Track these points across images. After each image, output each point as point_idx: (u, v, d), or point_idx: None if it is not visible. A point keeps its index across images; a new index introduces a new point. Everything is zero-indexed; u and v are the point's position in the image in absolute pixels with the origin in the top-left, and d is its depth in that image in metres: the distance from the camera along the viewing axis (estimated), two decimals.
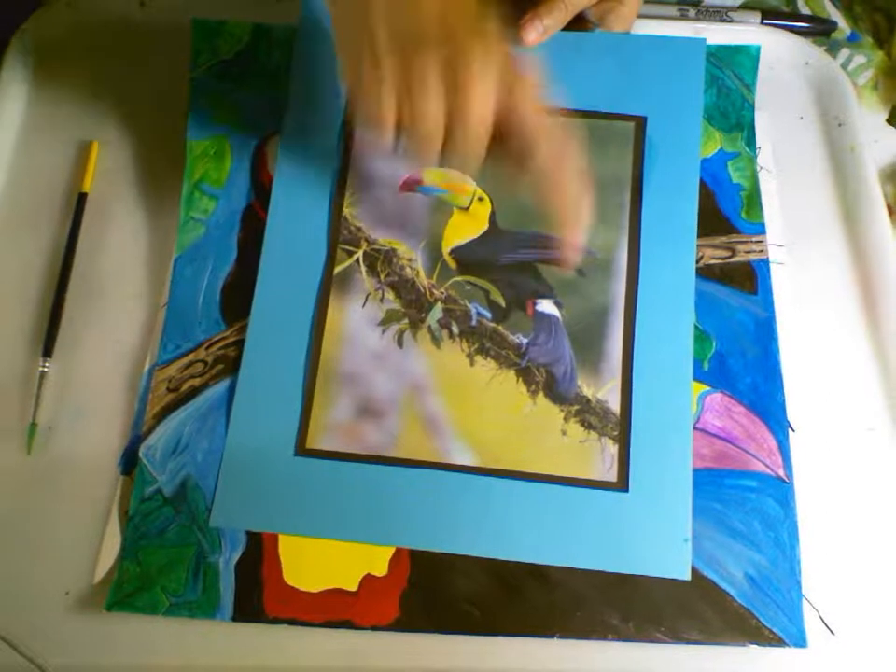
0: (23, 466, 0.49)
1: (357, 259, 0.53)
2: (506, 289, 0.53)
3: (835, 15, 0.69)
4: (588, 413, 0.51)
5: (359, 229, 0.53)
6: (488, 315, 0.52)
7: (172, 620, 0.46)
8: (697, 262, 0.55)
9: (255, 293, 0.52)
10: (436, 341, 0.52)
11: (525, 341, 0.52)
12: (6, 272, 0.54)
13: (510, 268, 0.53)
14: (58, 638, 0.45)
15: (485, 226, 0.54)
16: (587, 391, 0.51)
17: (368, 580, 0.47)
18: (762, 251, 0.56)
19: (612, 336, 0.52)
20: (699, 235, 0.56)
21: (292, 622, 0.46)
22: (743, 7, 0.68)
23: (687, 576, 0.47)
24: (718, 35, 0.64)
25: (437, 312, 0.52)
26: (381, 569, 0.47)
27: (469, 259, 0.53)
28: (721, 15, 0.67)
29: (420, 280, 0.53)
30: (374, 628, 0.46)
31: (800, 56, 0.65)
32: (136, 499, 0.48)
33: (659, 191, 0.55)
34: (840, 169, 0.61)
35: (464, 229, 0.54)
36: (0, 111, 0.58)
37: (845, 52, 0.68)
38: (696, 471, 0.50)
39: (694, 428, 0.51)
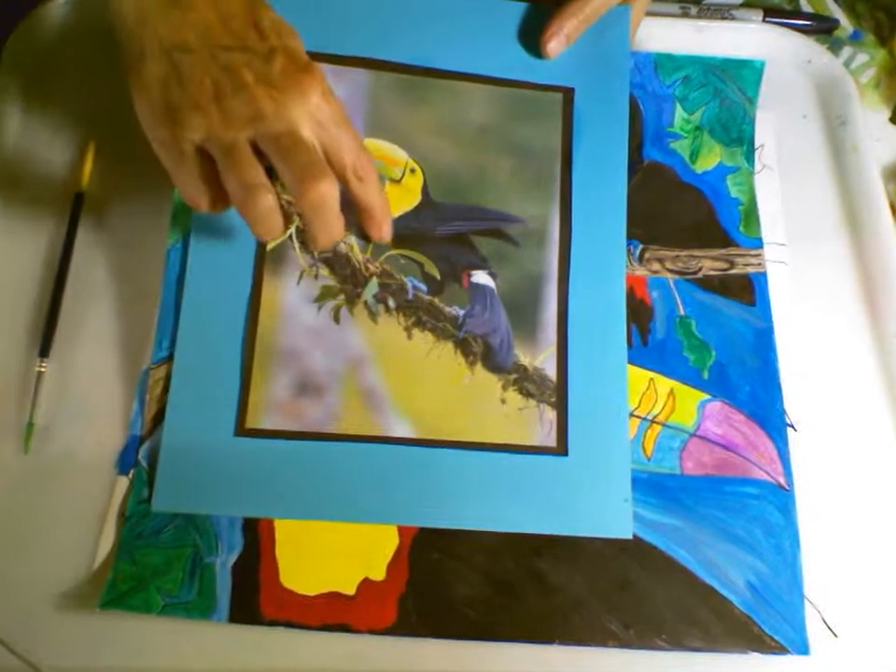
0: (20, 465, 0.49)
1: (290, 235, 0.52)
2: (441, 262, 0.52)
3: (838, 13, 0.70)
4: (526, 381, 0.51)
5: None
6: (424, 288, 0.52)
7: (167, 621, 0.45)
8: (696, 273, 0.55)
9: (187, 271, 0.51)
10: (373, 316, 0.51)
11: (461, 312, 0.52)
12: (3, 272, 0.53)
13: (444, 240, 0.53)
14: (53, 639, 0.45)
15: (418, 198, 0.53)
16: (524, 360, 0.51)
17: (366, 584, 0.47)
18: (759, 264, 0.56)
19: (547, 305, 0.52)
20: (698, 246, 0.56)
21: (289, 624, 0.45)
22: (745, 5, 0.68)
23: (629, 535, 0.48)
24: (720, 32, 0.64)
25: (373, 287, 0.51)
26: (379, 574, 0.47)
27: (403, 232, 0.52)
28: (722, 13, 0.66)
29: (354, 255, 0.52)
30: (372, 632, 0.46)
31: (802, 54, 0.65)
32: (134, 500, 0.47)
33: (589, 162, 0.55)
34: (843, 168, 0.62)
35: (397, 201, 0.53)
36: None
37: (847, 50, 0.68)
38: (697, 479, 0.50)
39: (695, 436, 0.51)
